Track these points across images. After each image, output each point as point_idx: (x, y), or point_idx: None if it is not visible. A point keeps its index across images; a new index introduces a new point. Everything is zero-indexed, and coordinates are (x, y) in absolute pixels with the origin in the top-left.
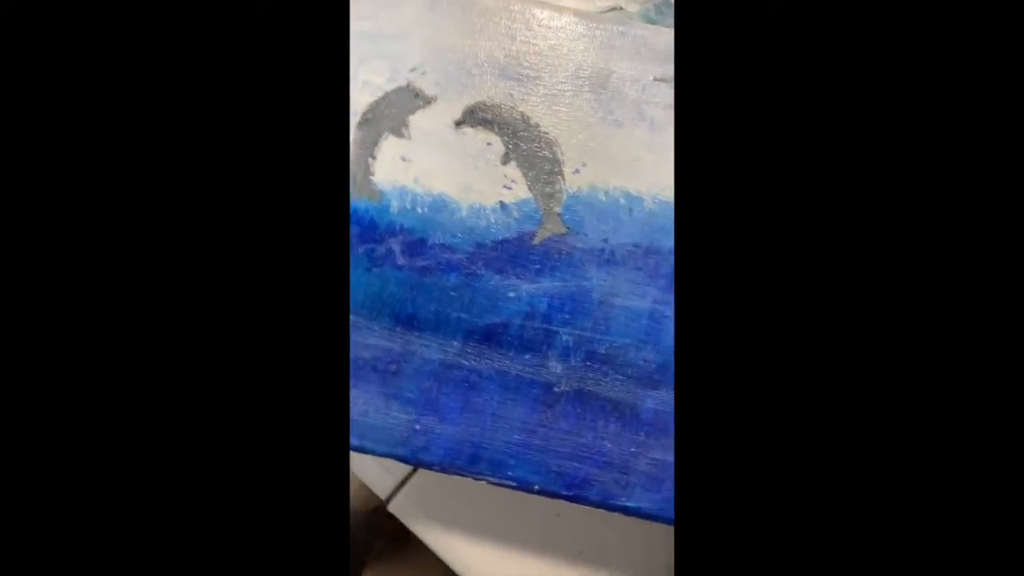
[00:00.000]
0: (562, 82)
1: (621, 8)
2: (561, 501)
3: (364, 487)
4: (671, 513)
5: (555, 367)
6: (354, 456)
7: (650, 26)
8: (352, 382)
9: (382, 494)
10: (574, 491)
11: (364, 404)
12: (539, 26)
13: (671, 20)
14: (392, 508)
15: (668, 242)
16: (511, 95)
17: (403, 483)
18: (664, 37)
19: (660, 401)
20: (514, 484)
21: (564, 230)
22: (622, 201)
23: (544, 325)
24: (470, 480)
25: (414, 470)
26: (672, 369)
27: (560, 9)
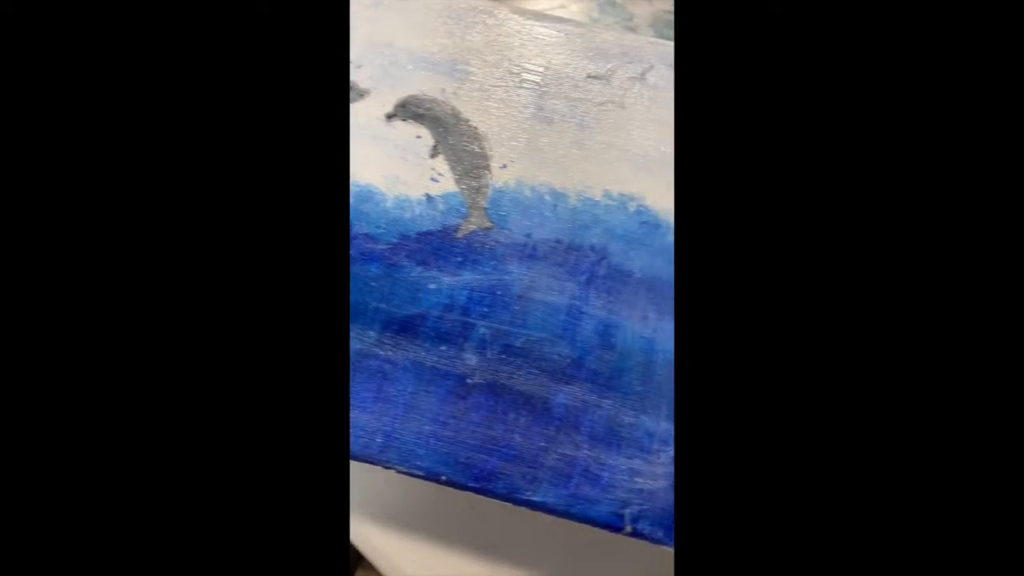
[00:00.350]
0: (496, 78)
1: (563, 7)
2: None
3: None
4: (576, 509)
5: (470, 359)
6: None
7: (587, 24)
8: None
9: None
10: (480, 483)
11: None
12: (475, 22)
13: (611, 19)
14: None
15: (590, 239)
16: (443, 90)
17: None
18: (601, 35)
19: (572, 396)
20: (422, 474)
21: (489, 224)
22: (547, 197)
23: (462, 317)
24: (382, 469)
25: None
26: (586, 364)
27: (497, 5)
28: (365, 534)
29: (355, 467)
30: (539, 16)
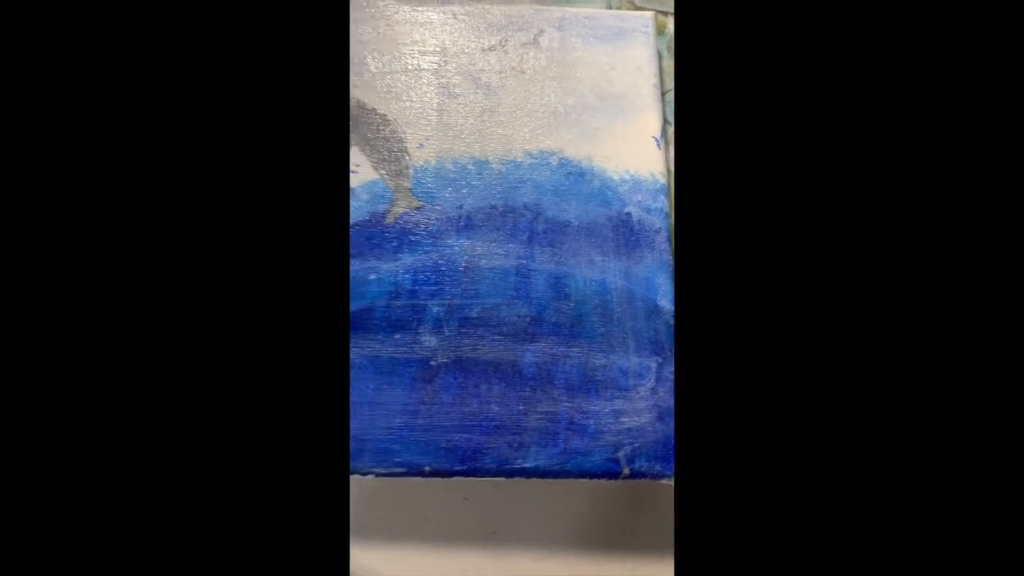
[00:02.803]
0: (395, 66)
1: None
2: (466, 482)
3: None
4: (571, 465)
5: (429, 341)
6: None
7: (475, 4)
8: None
9: None
10: (468, 464)
11: None
12: (360, 18)
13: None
14: None
15: (521, 198)
16: None
17: None
18: (488, 10)
19: (540, 353)
20: (403, 471)
21: (418, 204)
22: (470, 167)
23: (411, 301)
24: (359, 478)
25: None
26: (546, 319)
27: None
28: (356, 557)
29: None
30: (424, 2)
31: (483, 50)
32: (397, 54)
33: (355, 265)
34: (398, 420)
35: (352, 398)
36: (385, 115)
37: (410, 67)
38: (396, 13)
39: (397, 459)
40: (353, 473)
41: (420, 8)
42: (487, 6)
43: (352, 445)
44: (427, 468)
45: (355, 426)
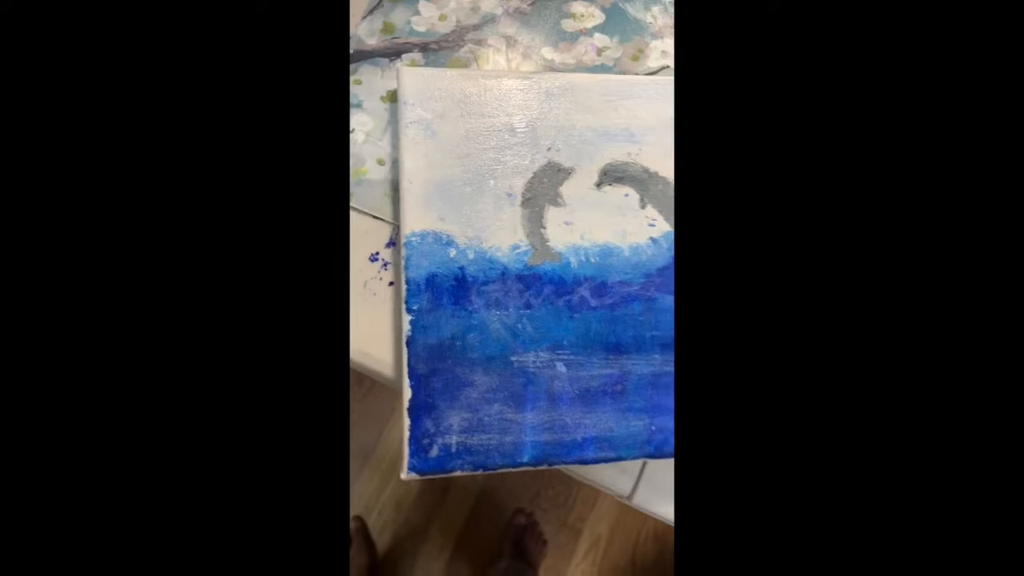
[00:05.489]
0: (659, 135)
1: (667, 67)
2: None
3: None
4: None
5: None
6: (592, 468)
7: None
8: (591, 407)
9: (624, 492)
10: None
11: (607, 422)
12: (627, 93)
13: None
14: (635, 502)
15: None
16: (629, 153)
17: (638, 479)
18: None
19: None
20: None
21: None
22: None
23: None
24: None
25: (644, 465)
26: None
27: (627, 78)
28: None
29: (659, 465)
30: (655, 79)
31: None
32: (658, 125)
33: (668, 300)
34: None
35: None
36: (666, 177)
37: (670, 136)
38: (639, 88)
39: None
40: None
41: (661, 81)
42: None
43: None
44: None
45: None
